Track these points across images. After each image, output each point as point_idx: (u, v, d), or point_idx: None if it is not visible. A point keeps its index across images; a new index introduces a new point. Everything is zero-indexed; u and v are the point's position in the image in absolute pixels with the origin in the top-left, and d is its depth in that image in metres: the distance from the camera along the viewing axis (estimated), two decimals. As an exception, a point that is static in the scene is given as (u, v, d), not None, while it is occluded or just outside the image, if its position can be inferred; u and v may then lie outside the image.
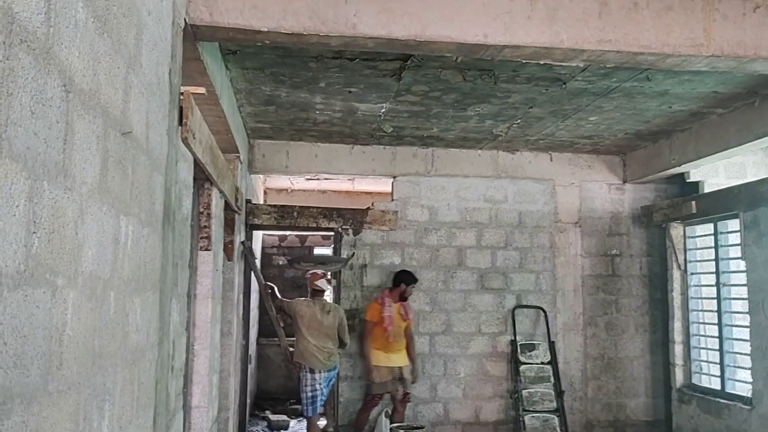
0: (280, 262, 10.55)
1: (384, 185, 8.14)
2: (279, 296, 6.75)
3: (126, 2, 2.00)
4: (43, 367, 1.40)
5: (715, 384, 6.64)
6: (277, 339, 7.03)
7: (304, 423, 6.82)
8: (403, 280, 6.71)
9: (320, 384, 6.24)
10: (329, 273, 6.70)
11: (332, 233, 7.39)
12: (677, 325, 7.15)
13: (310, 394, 6.21)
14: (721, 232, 6.62)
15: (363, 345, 6.70)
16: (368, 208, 7.26)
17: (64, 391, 1.54)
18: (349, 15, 3.28)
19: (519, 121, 6.20)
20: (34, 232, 1.35)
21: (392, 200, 7.34)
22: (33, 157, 1.34)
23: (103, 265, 1.84)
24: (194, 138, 3.13)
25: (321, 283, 6.44)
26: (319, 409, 6.36)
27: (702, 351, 6.99)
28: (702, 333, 7.01)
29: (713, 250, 6.71)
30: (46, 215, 1.41)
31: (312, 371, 6.22)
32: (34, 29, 1.34)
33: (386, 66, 4.69)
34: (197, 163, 3.59)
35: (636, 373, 7.53)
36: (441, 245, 7.33)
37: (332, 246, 7.16)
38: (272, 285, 6.81)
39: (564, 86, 5.08)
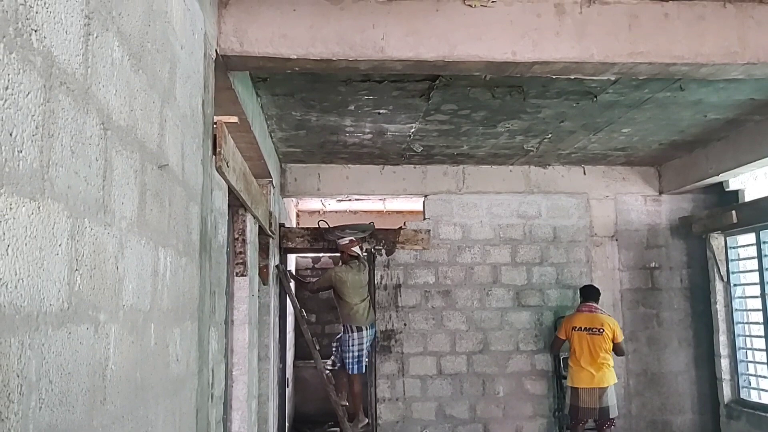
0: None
1: (415, 204, 8.13)
2: (303, 280, 7.40)
3: (160, 38, 2.04)
4: (87, 403, 1.41)
5: (765, 399, 6.41)
6: (313, 361, 7.02)
7: None
8: (600, 294, 6.70)
9: (365, 341, 6.65)
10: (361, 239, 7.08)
11: (365, 254, 7.38)
12: (722, 339, 6.94)
13: (356, 353, 6.62)
14: (765, 242, 6.44)
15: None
16: (400, 228, 7.24)
17: (108, 425, 1.55)
18: (377, 39, 3.30)
19: (550, 135, 6.14)
20: (77, 269, 1.38)
21: (424, 219, 7.32)
22: (74, 195, 1.37)
23: (143, 298, 1.86)
24: (228, 166, 3.17)
25: (356, 249, 6.85)
26: (355, 371, 6.68)
27: (750, 365, 6.77)
28: (749, 346, 6.80)
29: (756, 260, 6.52)
30: (88, 252, 1.44)
31: (359, 329, 6.63)
32: (73, 71, 1.37)
33: (415, 87, 4.70)
34: (231, 191, 3.63)
35: (681, 389, 7.32)
36: (475, 263, 7.26)
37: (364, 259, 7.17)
38: (292, 273, 7.12)
39: (595, 99, 5.02)
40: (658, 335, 7.37)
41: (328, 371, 6.77)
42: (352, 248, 6.83)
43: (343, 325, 6.78)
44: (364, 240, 7.08)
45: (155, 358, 1.96)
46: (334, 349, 6.93)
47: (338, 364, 6.75)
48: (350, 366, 6.66)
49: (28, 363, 1.15)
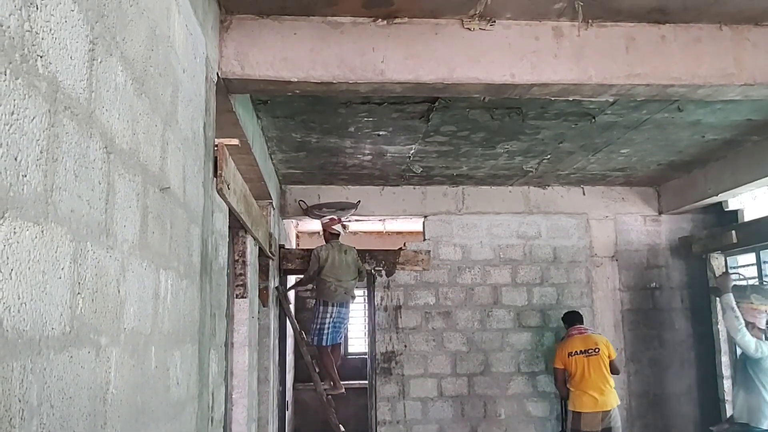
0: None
1: (415, 225, 8.13)
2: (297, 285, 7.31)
3: (162, 62, 2.06)
4: (88, 427, 1.41)
5: (769, 420, 6.35)
6: (313, 384, 6.97)
7: None
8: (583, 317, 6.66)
9: (331, 316, 6.68)
10: (343, 218, 7.05)
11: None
12: (724, 359, 6.91)
13: (318, 325, 6.69)
14: (765, 261, 6.43)
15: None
16: (400, 249, 7.24)
17: (109, 450, 1.53)
18: (377, 62, 3.33)
19: (549, 156, 6.17)
20: (79, 293, 1.38)
21: (424, 240, 7.32)
22: (77, 219, 1.37)
23: (144, 321, 1.85)
24: (229, 188, 3.18)
25: (337, 227, 6.83)
26: (326, 343, 6.68)
27: (752, 385, 6.73)
28: (751, 366, 6.76)
29: (757, 280, 6.50)
30: (90, 275, 1.44)
31: (326, 303, 6.69)
32: (77, 95, 1.39)
33: (414, 109, 4.73)
34: (232, 213, 3.64)
35: (684, 411, 7.26)
36: (475, 284, 7.25)
37: (366, 292, 7.15)
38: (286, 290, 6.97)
39: (593, 120, 5.06)
40: (659, 356, 7.33)
41: (328, 394, 6.72)
42: (333, 226, 6.82)
43: (315, 299, 6.94)
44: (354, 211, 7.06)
45: (156, 381, 1.95)
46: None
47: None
48: (312, 336, 6.75)
49: (30, 387, 1.14)
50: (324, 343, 6.68)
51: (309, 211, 6.97)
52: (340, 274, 6.69)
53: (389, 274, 7.15)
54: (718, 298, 5.84)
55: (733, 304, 5.30)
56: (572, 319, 6.58)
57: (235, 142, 3.23)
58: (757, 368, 5.16)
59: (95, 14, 1.49)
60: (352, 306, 7.04)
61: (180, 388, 2.27)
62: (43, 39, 1.22)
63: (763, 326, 5.24)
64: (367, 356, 7.49)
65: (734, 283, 5.53)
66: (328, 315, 6.68)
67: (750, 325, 5.21)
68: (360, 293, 10.66)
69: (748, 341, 5.11)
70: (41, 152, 1.21)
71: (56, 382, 1.25)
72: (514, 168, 6.60)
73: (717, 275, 6.13)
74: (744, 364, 5.30)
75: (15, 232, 1.10)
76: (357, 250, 6.97)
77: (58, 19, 1.29)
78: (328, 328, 6.68)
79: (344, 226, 6.97)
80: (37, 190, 1.19)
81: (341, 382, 6.89)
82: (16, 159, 1.11)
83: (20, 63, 1.13)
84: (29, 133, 1.16)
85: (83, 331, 1.39)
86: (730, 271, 5.68)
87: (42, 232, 1.21)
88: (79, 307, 1.37)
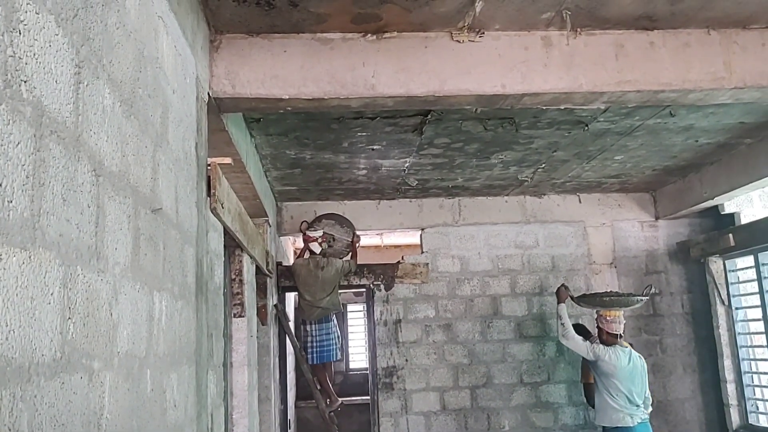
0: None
1: (413, 238, 8.12)
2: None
3: (151, 84, 2.06)
4: (82, 454, 1.39)
5: (774, 423, 6.33)
6: (315, 401, 6.93)
7: None
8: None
9: (311, 335, 6.70)
10: (319, 236, 6.87)
11: (364, 290, 7.34)
12: (727, 363, 6.87)
13: (302, 344, 6.76)
14: (763, 264, 6.42)
15: None
16: (398, 262, 7.22)
17: (104, 477, 1.51)
18: (368, 77, 3.33)
19: (544, 165, 6.17)
20: (69, 318, 1.36)
21: (422, 252, 7.30)
22: (66, 243, 1.36)
23: (139, 344, 1.83)
24: (223, 207, 3.17)
25: (313, 245, 6.76)
26: (316, 361, 6.69)
27: (756, 389, 6.70)
28: (754, 370, 6.73)
29: (756, 282, 6.49)
30: (81, 299, 1.42)
31: (304, 322, 6.75)
32: (64, 119, 1.38)
33: (407, 122, 4.74)
34: (227, 232, 3.63)
35: (689, 416, 7.22)
36: (475, 295, 7.22)
37: (364, 303, 7.13)
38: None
39: (586, 128, 5.07)
40: (662, 362, 7.30)
41: (330, 412, 6.67)
42: (309, 242, 6.76)
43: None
44: (334, 239, 6.95)
45: (152, 404, 1.93)
46: None
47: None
48: (303, 356, 6.76)
49: (20, 416, 1.13)
50: (311, 362, 6.68)
51: (311, 226, 6.90)
52: (314, 291, 6.61)
53: (388, 288, 7.13)
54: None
55: (564, 313, 5.62)
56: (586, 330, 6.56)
57: (227, 161, 3.23)
58: (598, 371, 5.34)
59: (80, 38, 1.48)
60: (352, 321, 7.00)
61: (177, 410, 2.24)
62: (27, 64, 1.22)
63: (617, 331, 5.41)
64: (368, 371, 7.44)
65: (569, 294, 5.91)
66: (309, 334, 6.72)
67: (602, 331, 5.43)
68: (359, 308, 10.64)
69: (578, 345, 5.34)
70: (27, 177, 1.20)
71: (48, 410, 1.23)
72: (509, 178, 6.60)
73: (557, 288, 6.40)
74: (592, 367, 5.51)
75: (1, 259, 1.09)
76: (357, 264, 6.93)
77: (42, 44, 1.29)
78: (312, 345, 6.70)
79: (321, 245, 6.81)
80: (23, 216, 1.18)
81: (339, 398, 6.88)
82: (0, 185, 1.10)
83: (4, 89, 1.13)
84: (14, 158, 1.16)
85: (75, 357, 1.38)
86: (566, 284, 6.15)
87: (30, 257, 1.19)
88: (70, 332, 1.35)
